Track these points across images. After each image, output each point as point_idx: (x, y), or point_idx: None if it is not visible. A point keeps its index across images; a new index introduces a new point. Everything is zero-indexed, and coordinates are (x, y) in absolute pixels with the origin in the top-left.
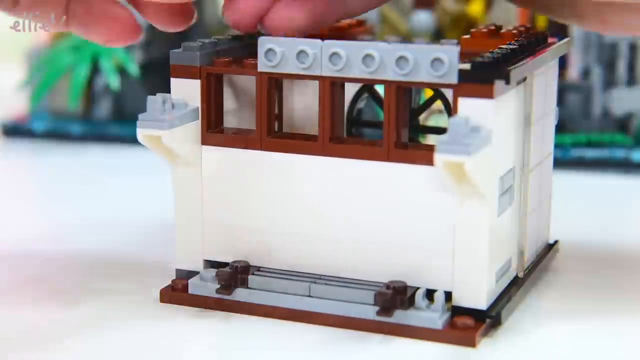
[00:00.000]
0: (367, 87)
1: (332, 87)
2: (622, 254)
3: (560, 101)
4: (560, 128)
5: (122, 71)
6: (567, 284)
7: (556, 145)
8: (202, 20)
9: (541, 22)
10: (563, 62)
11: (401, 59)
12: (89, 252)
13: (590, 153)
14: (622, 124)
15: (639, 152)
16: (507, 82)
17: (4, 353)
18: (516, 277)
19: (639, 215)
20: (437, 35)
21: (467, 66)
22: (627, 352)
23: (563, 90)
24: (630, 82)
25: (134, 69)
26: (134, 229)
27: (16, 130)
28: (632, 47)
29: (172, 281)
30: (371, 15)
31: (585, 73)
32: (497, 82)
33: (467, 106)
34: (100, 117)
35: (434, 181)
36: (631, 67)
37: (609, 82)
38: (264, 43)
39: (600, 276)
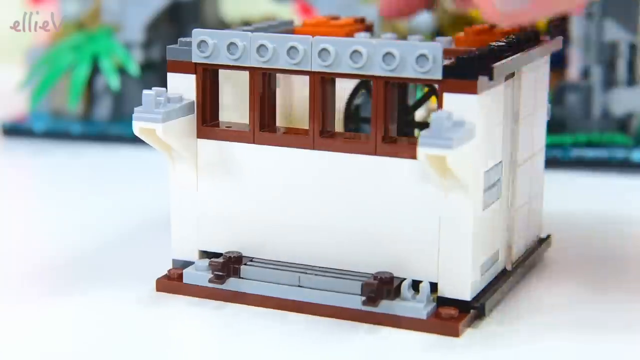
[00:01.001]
0: (364, 83)
1: (322, 82)
2: (619, 251)
3: (560, 101)
4: (560, 128)
5: (122, 71)
6: (558, 279)
7: (556, 145)
8: (202, 21)
9: (540, 22)
10: (563, 62)
11: (387, 55)
12: (89, 248)
13: (590, 153)
14: (622, 124)
15: (638, 152)
16: (491, 77)
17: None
18: (504, 270)
19: (638, 214)
20: (437, 35)
21: (452, 62)
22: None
23: (563, 90)
24: (630, 82)
25: (134, 68)
26: (133, 227)
27: (16, 130)
28: (632, 47)
29: (168, 271)
30: (370, 15)
31: (585, 73)
32: (480, 78)
33: (452, 101)
34: (100, 117)
35: (420, 174)
36: (631, 67)
37: (609, 82)
38: (255, 39)
39: (594, 273)
